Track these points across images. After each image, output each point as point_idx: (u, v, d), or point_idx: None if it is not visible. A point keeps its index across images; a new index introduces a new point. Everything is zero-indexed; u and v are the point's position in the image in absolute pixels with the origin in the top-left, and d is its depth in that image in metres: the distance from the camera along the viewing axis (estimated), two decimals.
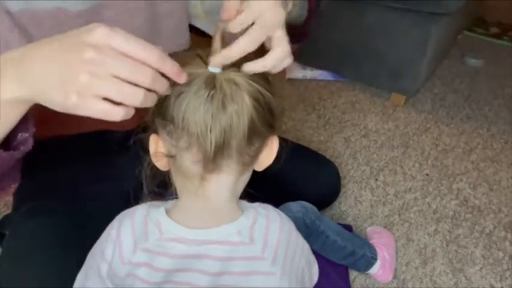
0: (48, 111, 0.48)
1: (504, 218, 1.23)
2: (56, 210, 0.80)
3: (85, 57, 0.42)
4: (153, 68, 0.43)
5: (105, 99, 0.43)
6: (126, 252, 0.52)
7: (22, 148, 0.54)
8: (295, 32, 0.60)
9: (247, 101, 0.46)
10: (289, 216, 0.60)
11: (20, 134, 0.54)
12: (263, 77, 0.50)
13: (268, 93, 0.48)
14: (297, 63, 1.83)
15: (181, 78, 0.46)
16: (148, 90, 0.44)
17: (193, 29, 0.87)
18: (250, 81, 0.47)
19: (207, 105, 0.45)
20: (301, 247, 0.58)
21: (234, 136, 0.46)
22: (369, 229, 1.13)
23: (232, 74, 0.48)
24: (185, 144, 0.47)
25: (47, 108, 0.46)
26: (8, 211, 1.03)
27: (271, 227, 0.53)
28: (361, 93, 1.74)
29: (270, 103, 0.48)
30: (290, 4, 0.58)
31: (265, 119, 0.48)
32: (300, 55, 1.80)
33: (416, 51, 1.55)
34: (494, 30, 2.29)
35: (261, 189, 0.59)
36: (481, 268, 1.08)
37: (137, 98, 0.43)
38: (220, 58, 0.48)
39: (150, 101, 0.45)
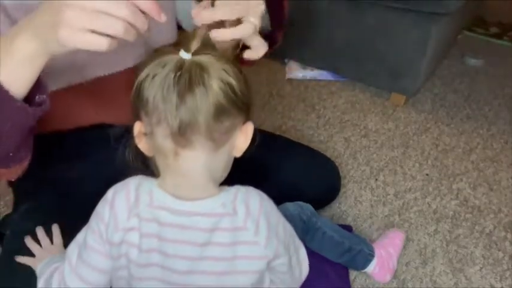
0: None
1: (504, 218, 1.23)
2: (55, 210, 0.80)
3: None
4: (131, 4, 0.49)
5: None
6: (121, 219, 0.55)
7: (43, 106, 0.58)
8: (265, 37, 0.68)
9: (213, 81, 0.50)
10: (286, 215, 0.61)
11: (37, 96, 0.58)
12: (234, 66, 0.53)
13: (235, 77, 0.52)
14: (297, 63, 1.83)
15: (159, 15, 0.51)
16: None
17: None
18: (218, 64, 0.51)
19: (174, 85, 0.49)
20: (283, 223, 0.61)
21: (200, 113, 0.50)
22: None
23: (201, 58, 0.51)
24: (156, 120, 0.51)
25: None
26: (8, 211, 1.03)
27: (251, 200, 0.57)
28: (361, 93, 1.74)
29: (234, 85, 0.52)
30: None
31: (231, 99, 0.51)
32: (300, 55, 1.80)
33: (416, 51, 1.54)
34: (494, 30, 2.28)
35: (260, 187, 0.59)
36: (481, 268, 1.08)
37: (118, 28, 0.49)
38: (206, 14, 0.59)
39: (132, 35, 0.51)
